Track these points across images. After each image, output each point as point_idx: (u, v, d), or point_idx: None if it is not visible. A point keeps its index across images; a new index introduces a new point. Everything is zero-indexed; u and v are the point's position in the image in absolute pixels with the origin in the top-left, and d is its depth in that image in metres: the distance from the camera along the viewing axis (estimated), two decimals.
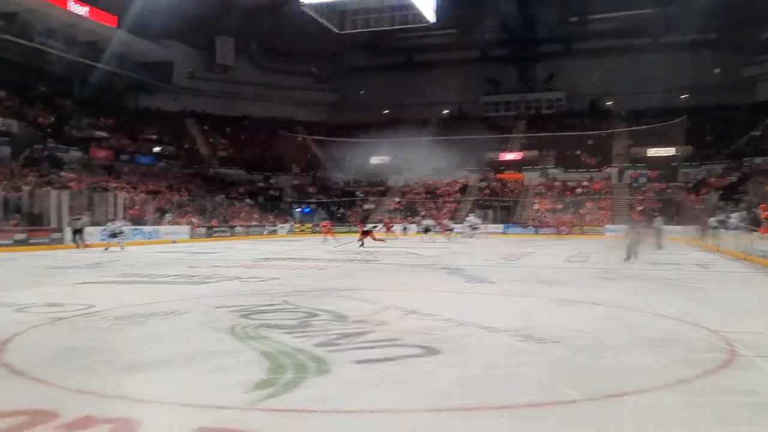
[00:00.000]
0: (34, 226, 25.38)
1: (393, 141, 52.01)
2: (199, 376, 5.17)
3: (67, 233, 25.54)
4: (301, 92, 58.05)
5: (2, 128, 33.07)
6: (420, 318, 7.91)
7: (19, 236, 23.53)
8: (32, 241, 23.69)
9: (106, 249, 22.60)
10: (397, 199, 49.28)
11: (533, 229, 42.20)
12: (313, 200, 49.20)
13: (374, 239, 25.89)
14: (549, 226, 41.34)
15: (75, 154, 36.87)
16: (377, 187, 51.35)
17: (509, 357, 5.81)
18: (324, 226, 29.07)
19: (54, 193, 27.84)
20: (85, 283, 12.13)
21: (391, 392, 4.73)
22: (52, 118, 38.59)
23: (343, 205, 48.63)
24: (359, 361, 5.60)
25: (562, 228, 39.49)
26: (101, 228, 27.98)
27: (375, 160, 53.89)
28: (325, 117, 59.18)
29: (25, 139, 34.24)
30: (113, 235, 23.52)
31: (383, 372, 5.34)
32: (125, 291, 11.00)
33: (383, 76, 57.86)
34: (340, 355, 5.80)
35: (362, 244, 24.84)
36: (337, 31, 36.15)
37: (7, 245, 22.53)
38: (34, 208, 27.00)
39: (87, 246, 23.64)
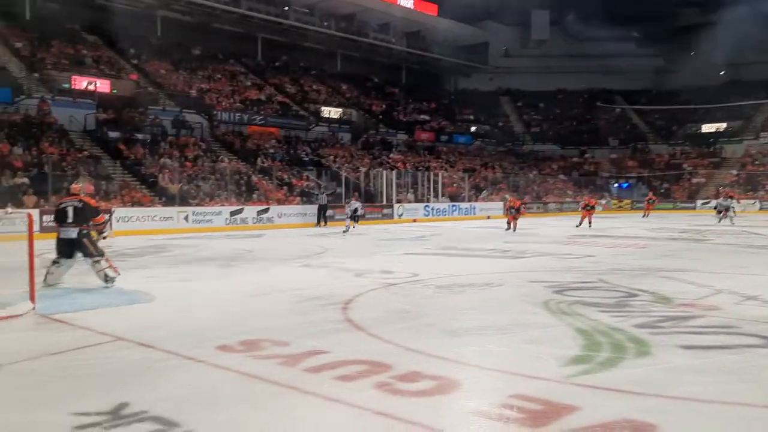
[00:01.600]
0: (369, 202, 28.66)
1: (732, 105, 45.86)
2: (514, 346, 5.31)
3: (396, 209, 28.30)
4: (620, 60, 54.50)
5: (344, 117, 37.93)
6: (762, 305, 6.93)
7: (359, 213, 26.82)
8: (368, 216, 26.81)
9: (345, 231, 20.69)
10: (735, 172, 43.40)
11: None
12: (632, 174, 46.19)
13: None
14: None
15: (401, 137, 40.52)
16: (709, 158, 45.92)
17: None
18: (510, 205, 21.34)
19: (385, 173, 31.06)
20: (410, 254, 13.33)
21: (722, 382, 4.26)
22: (383, 106, 42.93)
23: (668, 180, 44.66)
24: (685, 347, 5.15)
25: None
26: (424, 204, 30.41)
27: (707, 128, 48.16)
28: (648, 84, 54.63)
29: (361, 126, 38.79)
30: (353, 217, 21.75)
31: (714, 360, 4.83)
32: (445, 262, 11.80)
33: (720, 32, 51.05)
34: (663, 338, 5.41)
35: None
36: None
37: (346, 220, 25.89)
38: (370, 187, 30.50)
39: (327, 224, 23.68)
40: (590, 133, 50.45)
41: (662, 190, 43.16)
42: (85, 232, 8.22)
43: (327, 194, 25.08)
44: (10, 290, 7.04)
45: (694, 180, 43.98)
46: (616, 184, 45.37)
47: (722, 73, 51.63)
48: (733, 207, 25.72)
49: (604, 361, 4.77)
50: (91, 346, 5.32)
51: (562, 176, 44.51)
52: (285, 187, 27.04)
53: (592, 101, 52.26)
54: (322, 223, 23.93)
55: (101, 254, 8.28)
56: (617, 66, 53.76)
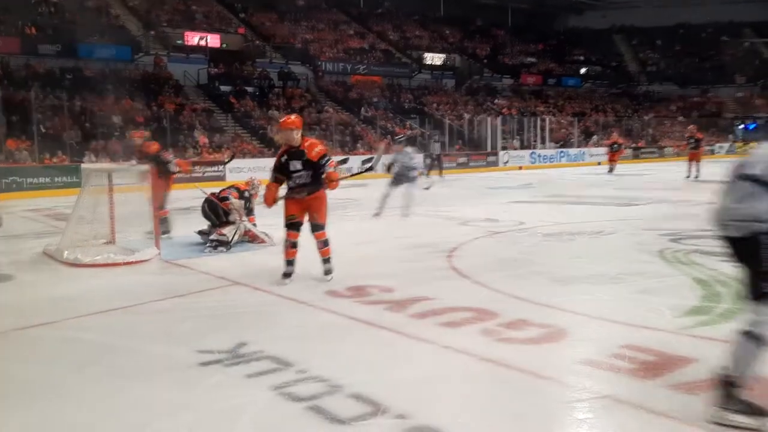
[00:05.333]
0: (473, 150, 28.26)
1: None
2: (625, 295, 5.15)
3: (502, 156, 27.75)
4: None
5: (447, 63, 37.20)
6: None
7: (462, 159, 26.55)
8: (472, 163, 26.49)
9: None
10: None
11: None
12: (761, 114, 42.53)
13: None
14: None
15: (507, 81, 39.27)
16: None
17: None
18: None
19: (489, 119, 30.38)
20: (516, 201, 13.08)
21: None
22: (488, 49, 41.66)
23: None
24: None
25: None
26: (530, 150, 29.63)
27: None
28: None
29: (465, 71, 37.93)
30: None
31: None
32: (552, 210, 11.50)
33: None
34: None
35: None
36: None
37: (451, 168, 25.67)
38: (474, 134, 30.01)
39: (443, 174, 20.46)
40: (714, 70, 46.62)
41: None
42: (208, 199, 7.98)
43: (438, 142, 22.59)
44: (137, 237, 7.60)
45: None
46: (741, 126, 42.00)
47: None
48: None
49: (725, 312, 4.52)
50: (211, 290, 5.67)
51: (680, 118, 41.73)
52: (388, 136, 27.15)
53: (717, 35, 48.10)
54: (437, 172, 20.43)
55: (215, 224, 7.86)
56: None
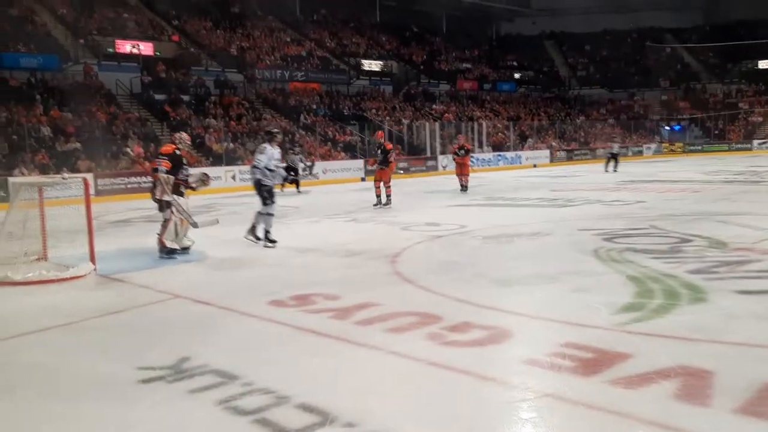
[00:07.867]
0: (413, 155, 28.53)
1: None
2: (564, 294, 5.29)
3: (440, 161, 28.09)
4: None
5: (385, 69, 37.47)
6: None
7: (402, 164, 26.73)
8: (412, 168, 26.72)
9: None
10: None
11: None
12: (684, 116, 44.54)
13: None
14: None
15: (444, 87, 39.84)
16: (767, 96, 43.79)
17: None
18: None
19: (427, 124, 30.72)
20: (456, 205, 13.26)
21: None
22: (424, 56, 42.16)
23: (722, 119, 42.91)
24: (742, 292, 5.05)
25: None
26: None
27: (765, 64, 45.76)
28: (701, 20, 51.94)
29: (402, 77, 38.28)
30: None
31: None
32: (492, 213, 11.74)
33: None
34: (718, 284, 5.30)
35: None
36: None
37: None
38: (413, 139, 30.27)
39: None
40: (639, 74, 48.60)
41: (716, 131, 41.62)
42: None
43: (298, 155, 20.84)
44: (71, 252, 7.33)
45: (751, 119, 42.15)
46: (667, 127, 43.88)
47: None
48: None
49: (657, 308, 4.71)
50: (151, 304, 5.53)
51: (610, 120, 43.27)
52: (329, 143, 27.09)
53: (641, 41, 50.16)
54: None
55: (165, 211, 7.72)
56: (668, 2, 51.26)
